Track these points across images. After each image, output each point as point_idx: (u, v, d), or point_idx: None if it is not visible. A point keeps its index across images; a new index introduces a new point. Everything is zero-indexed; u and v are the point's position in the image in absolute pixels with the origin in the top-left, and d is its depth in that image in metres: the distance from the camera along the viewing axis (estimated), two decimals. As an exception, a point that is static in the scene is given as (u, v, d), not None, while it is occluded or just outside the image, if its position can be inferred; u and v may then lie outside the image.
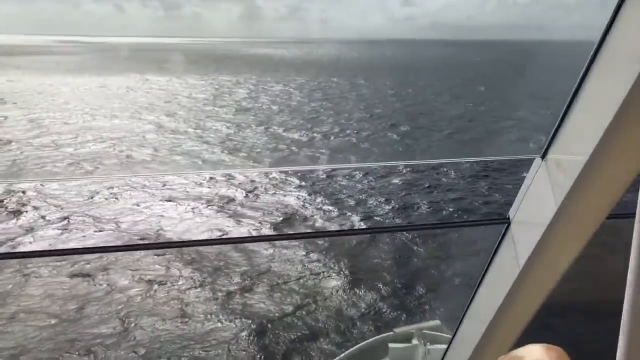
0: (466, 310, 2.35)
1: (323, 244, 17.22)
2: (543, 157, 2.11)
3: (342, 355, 7.33)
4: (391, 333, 7.57)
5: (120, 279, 14.49)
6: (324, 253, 16.20)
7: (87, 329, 12.14)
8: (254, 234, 17.97)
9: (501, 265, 2.09)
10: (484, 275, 2.20)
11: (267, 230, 18.34)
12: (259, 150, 31.56)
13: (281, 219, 19.42)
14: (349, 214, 20.00)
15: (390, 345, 7.25)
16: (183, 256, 16.17)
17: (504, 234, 2.11)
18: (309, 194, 22.23)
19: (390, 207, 20.66)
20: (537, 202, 1.99)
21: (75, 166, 27.07)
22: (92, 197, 21.59)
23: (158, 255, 16.12)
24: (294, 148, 31.69)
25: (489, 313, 2.07)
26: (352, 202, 21.19)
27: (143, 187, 23.50)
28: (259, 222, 19.08)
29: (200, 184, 24.30)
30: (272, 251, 16.63)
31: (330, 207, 20.68)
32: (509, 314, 2.04)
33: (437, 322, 7.81)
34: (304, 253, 16.46)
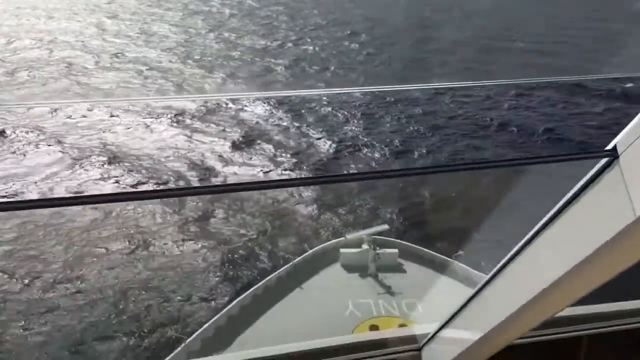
0: (517, 254, 1.85)
1: (289, 161, 16.32)
2: None
3: (296, 260, 7.78)
4: (342, 239, 8.10)
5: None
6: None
7: (20, 262, 11.04)
8: (207, 153, 16.77)
9: (599, 209, 1.59)
10: (556, 215, 1.69)
11: (220, 148, 17.21)
12: (210, 58, 29.59)
13: (237, 135, 18.23)
14: (309, 130, 18.98)
15: (342, 250, 7.75)
16: (131, 173, 15.06)
17: (602, 171, 1.58)
18: (266, 110, 20.96)
19: (352, 123, 19.68)
20: None
21: (9, 76, 24.76)
22: (27, 111, 19.77)
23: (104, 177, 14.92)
24: (247, 57, 29.87)
25: (565, 263, 1.59)
26: (311, 119, 20.07)
27: (83, 97, 21.78)
28: (214, 139, 17.89)
29: (147, 95, 22.67)
30: (229, 169, 15.67)
31: (289, 123, 19.58)
32: (596, 268, 1.56)
33: (384, 226, 8.44)
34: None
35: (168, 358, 6.06)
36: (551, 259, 1.71)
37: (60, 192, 13.94)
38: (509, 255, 1.90)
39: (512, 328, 1.96)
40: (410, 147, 17.59)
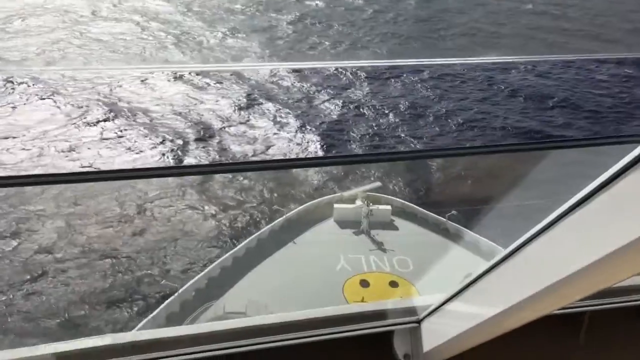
0: (543, 232, 1.66)
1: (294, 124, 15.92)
2: None
3: (290, 213, 7.97)
4: (337, 195, 8.38)
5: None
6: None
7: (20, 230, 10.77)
8: (210, 111, 16.29)
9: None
10: (589, 197, 1.51)
11: (226, 108, 16.73)
12: (210, 12, 28.57)
13: (242, 95, 17.71)
14: (312, 89, 18.47)
15: (335, 205, 7.92)
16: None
17: None
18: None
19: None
20: None
21: (5, 22, 23.92)
22: (24, 59, 19.18)
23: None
24: (249, 11, 28.89)
25: (598, 250, 1.43)
26: (315, 79, 19.46)
27: (82, 46, 21.14)
28: (218, 98, 17.41)
29: (143, 48, 22.02)
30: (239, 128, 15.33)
31: (293, 83, 19.01)
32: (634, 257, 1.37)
33: (377, 184, 8.92)
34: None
35: (162, 306, 6.15)
36: (584, 242, 1.54)
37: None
38: (533, 232, 1.71)
39: (531, 308, 1.80)
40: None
